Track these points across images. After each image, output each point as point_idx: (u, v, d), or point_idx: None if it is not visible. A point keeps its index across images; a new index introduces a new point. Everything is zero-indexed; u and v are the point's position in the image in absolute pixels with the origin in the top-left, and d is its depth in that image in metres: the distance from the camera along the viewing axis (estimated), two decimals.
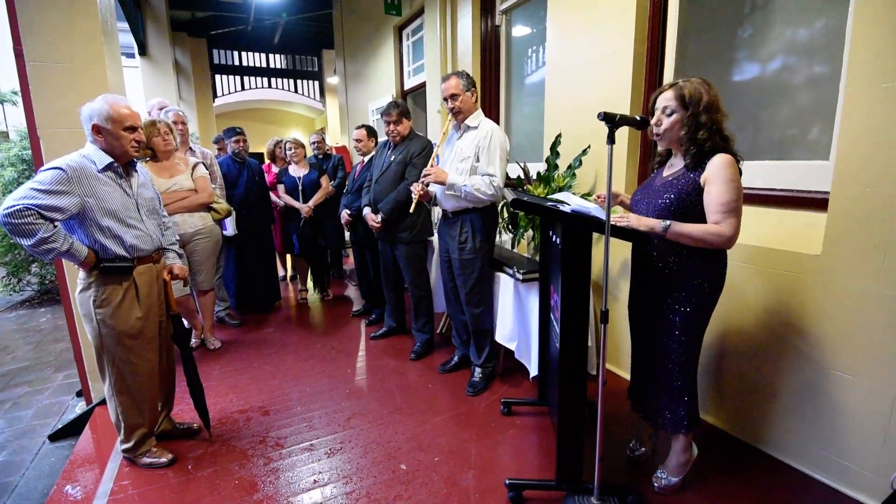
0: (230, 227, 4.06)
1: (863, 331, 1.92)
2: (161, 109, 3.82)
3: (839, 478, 2.05)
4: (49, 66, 2.68)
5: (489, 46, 4.51)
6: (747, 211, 2.32)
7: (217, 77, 11.58)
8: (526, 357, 2.93)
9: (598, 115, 1.65)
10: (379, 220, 3.34)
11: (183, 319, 2.45)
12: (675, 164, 1.90)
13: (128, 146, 2.07)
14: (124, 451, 2.29)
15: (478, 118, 2.81)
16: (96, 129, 2.02)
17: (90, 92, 2.60)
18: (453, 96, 2.74)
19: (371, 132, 4.10)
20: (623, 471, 2.22)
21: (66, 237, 1.92)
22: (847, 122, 1.90)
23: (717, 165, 1.71)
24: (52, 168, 1.90)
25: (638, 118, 1.79)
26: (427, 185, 2.80)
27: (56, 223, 1.90)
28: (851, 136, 1.89)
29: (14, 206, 1.79)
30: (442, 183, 2.71)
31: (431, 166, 2.71)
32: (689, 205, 1.77)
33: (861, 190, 1.87)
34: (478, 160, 2.73)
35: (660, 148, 1.95)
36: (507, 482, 2.05)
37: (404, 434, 2.53)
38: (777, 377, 2.23)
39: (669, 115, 1.78)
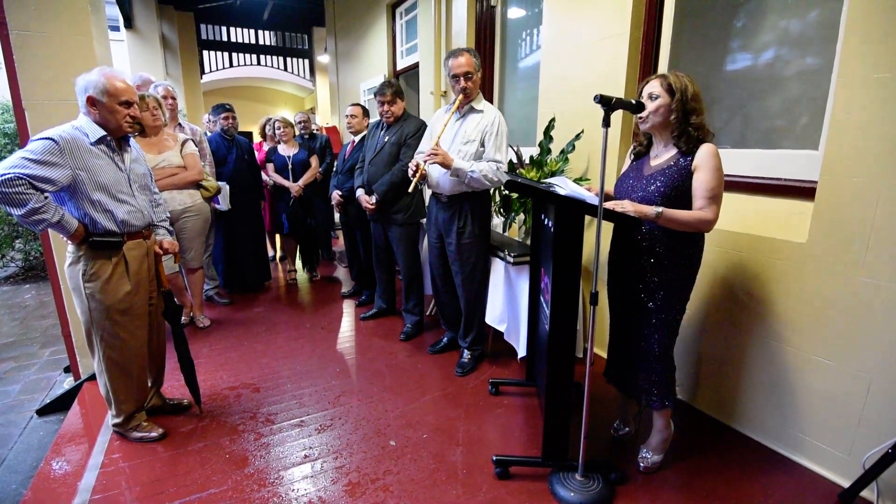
0: (223, 203, 3.98)
1: (843, 317, 1.97)
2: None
3: (814, 458, 2.12)
4: (34, 36, 2.60)
5: (484, 28, 4.46)
6: (736, 198, 2.38)
7: (205, 53, 11.32)
8: (514, 339, 2.97)
9: (595, 97, 1.66)
10: (373, 201, 3.33)
11: (174, 296, 2.45)
12: (662, 154, 1.94)
13: (122, 121, 2.03)
14: (114, 425, 2.30)
15: (481, 101, 2.76)
16: (91, 102, 1.98)
17: (77, 64, 2.56)
18: (467, 74, 2.62)
19: (366, 112, 4.06)
20: (607, 449, 2.28)
21: (57, 209, 1.90)
22: (837, 113, 1.93)
23: (706, 154, 1.80)
24: (44, 138, 1.87)
25: (633, 102, 1.80)
26: (425, 164, 2.62)
27: (47, 194, 1.87)
28: (841, 126, 1.92)
29: (5, 174, 1.76)
30: (447, 166, 2.59)
31: (437, 146, 2.58)
32: (682, 191, 1.84)
33: (848, 179, 1.90)
34: (482, 145, 2.69)
35: (643, 128, 1.95)
36: (494, 458, 2.10)
37: (393, 412, 2.57)
38: (757, 361, 2.29)
39: (654, 99, 1.85)
